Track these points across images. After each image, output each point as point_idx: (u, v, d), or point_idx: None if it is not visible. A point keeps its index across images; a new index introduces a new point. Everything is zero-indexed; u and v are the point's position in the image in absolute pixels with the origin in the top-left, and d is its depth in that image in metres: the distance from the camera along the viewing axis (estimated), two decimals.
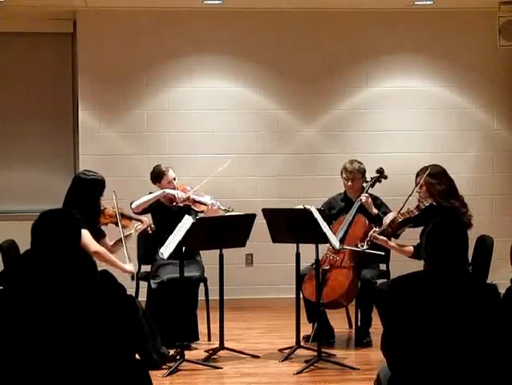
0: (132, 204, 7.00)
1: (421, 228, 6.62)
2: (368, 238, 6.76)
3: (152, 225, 6.89)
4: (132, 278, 6.59)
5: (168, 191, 7.08)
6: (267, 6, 8.55)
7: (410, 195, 6.63)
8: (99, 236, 6.55)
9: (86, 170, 6.62)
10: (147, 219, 6.90)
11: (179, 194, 7.07)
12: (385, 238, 6.70)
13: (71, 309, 3.34)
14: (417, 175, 6.67)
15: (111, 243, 6.62)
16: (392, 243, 6.74)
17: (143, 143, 8.64)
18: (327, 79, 8.77)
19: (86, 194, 6.34)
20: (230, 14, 8.61)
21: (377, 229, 6.74)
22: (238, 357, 6.61)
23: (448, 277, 3.71)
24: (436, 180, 6.55)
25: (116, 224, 6.60)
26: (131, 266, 6.54)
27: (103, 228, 6.64)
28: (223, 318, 6.63)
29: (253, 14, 8.65)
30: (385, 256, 7.21)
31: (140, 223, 6.78)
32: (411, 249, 6.70)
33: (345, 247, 6.83)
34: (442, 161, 6.85)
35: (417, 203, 6.57)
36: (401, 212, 6.60)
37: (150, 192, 7.19)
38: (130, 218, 6.77)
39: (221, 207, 7.07)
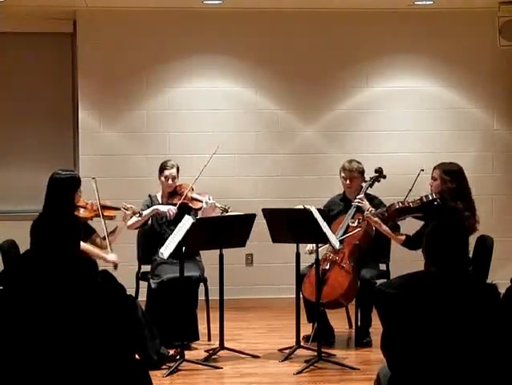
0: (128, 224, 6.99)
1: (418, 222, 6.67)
2: (361, 217, 6.80)
3: (141, 211, 6.90)
4: (115, 268, 6.56)
5: (159, 209, 7.08)
6: (267, 6, 8.55)
7: (413, 185, 6.66)
8: (88, 232, 6.59)
9: (61, 168, 6.65)
10: (133, 206, 6.89)
11: (170, 211, 7.06)
12: (379, 221, 6.71)
13: (72, 309, 3.34)
14: (434, 168, 6.68)
15: (102, 237, 6.65)
16: (385, 227, 6.75)
17: (143, 143, 8.64)
18: (327, 79, 8.77)
19: (61, 192, 6.38)
20: (230, 14, 8.61)
21: (373, 210, 6.78)
22: (238, 357, 6.61)
23: (448, 278, 3.71)
24: (449, 178, 6.56)
25: (100, 217, 6.64)
26: (112, 256, 6.58)
27: (90, 223, 6.73)
28: (223, 318, 6.63)
29: (253, 14, 8.64)
30: (385, 255, 7.23)
31: (126, 211, 6.79)
32: (403, 237, 6.74)
33: (343, 237, 6.85)
34: (442, 161, 6.84)
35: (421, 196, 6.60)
36: (402, 200, 6.62)
37: (149, 195, 7.23)
38: (115, 208, 6.78)
39: (218, 204, 7.07)
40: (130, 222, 6.98)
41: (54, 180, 6.48)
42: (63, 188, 6.42)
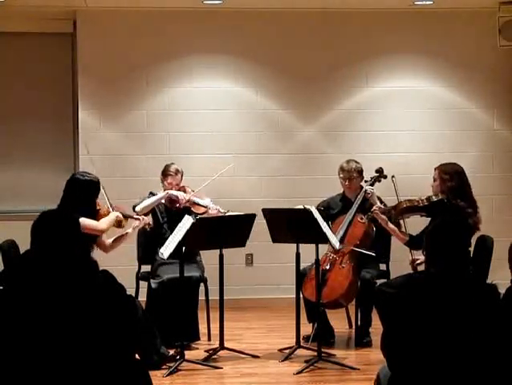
0: (135, 207, 6.97)
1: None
2: (370, 213, 6.80)
3: (150, 222, 6.90)
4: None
5: (171, 192, 7.08)
6: (267, 6, 8.55)
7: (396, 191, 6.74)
8: (96, 235, 6.59)
9: (82, 171, 6.67)
10: (145, 217, 6.89)
11: (181, 195, 7.07)
12: (385, 218, 6.73)
13: (71, 309, 3.34)
14: (435, 169, 6.69)
15: (110, 241, 6.64)
16: (391, 225, 6.76)
17: (143, 143, 8.63)
18: (327, 79, 8.77)
19: (80, 195, 6.37)
20: (230, 14, 8.61)
21: (382, 206, 6.79)
22: (238, 357, 6.60)
23: (448, 278, 3.71)
24: (448, 177, 6.56)
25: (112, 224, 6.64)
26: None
27: None
28: (223, 318, 6.63)
29: (253, 14, 8.64)
30: (385, 255, 7.23)
31: (137, 221, 6.78)
32: (406, 236, 6.74)
33: (346, 247, 6.84)
34: (442, 161, 6.83)
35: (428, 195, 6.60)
36: (409, 198, 6.63)
37: (150, 192, 7.21)
38: (126, 217, 6.77)
39: (221, 210, 7.06)
40: (142, 206, 6.95)
41: (76, 181, 6.43)
42: (84, 191, 6.40)
